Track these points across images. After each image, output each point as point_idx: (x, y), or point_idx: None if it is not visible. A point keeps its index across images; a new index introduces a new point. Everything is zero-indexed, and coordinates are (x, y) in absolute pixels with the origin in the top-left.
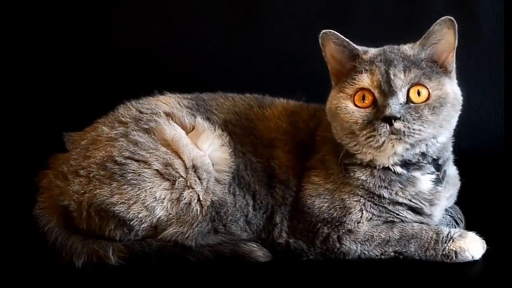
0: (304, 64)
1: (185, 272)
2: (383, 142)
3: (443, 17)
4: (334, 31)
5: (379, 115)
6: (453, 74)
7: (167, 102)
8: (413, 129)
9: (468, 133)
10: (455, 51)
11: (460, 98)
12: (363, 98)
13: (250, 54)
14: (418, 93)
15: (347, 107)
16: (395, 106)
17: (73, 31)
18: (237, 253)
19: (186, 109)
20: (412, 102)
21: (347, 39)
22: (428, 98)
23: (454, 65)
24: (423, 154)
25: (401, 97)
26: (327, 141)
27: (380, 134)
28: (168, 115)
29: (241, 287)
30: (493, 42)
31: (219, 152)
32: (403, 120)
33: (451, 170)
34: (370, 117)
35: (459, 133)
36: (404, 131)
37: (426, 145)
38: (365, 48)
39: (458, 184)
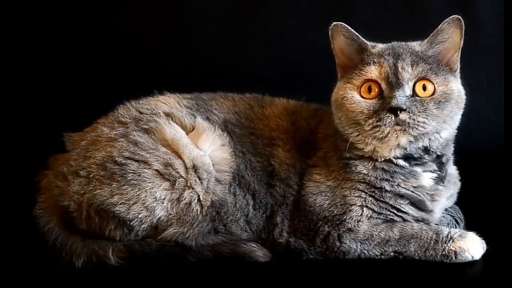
0: (304, 64)
1: (185, 272)
2: (388, 133)
3: (452, 16)
4: (344, 24)
5: (385, 106)
6: (458, 73)
7: (167, 102)
8: (418, 121)
9: (468, 133)
10: (460, 50)
11: (464, 97)
12: (369, 89)
13: (250, 54)
14: (424, 88)
15: (353, 97)
16: (401, 97)
17: (73, 31)
18: (237, 253)
19: (186, 109)
20: (417, 96)
21: (356, 33)
22: (433, 93)
23: (459, 65)
24: (426, 149)
25: (407, 90)
26: (329, 138)
27: (385, 124)
28: (168, 115)
29: (241, 287)
30: (493, 42)
31: (219, 152)
32: (408, 112)
33: (452, 169)
34: (376, 108)
35: (459, 133)
36: (409, 123)
37: (429, 139)
38: (373, 43)
39: (458, 184)
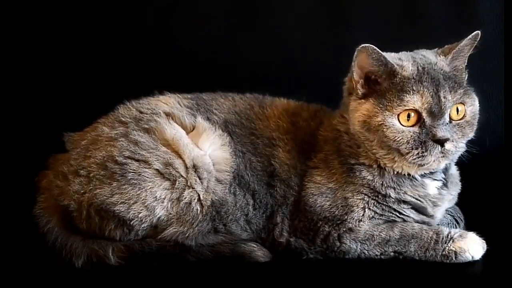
0: (305, 64)
1: (185, 272)
2: (432, 161)
3: (475, 32)
4: (374, 46)
5: (431, 136)
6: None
7: (167, 102)
8: (459, 147)
9: None
10: (466, 60)
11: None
12: (408, 116)
13: (251, 54)
14: (457, 111)
15: (394, 126)
16: (444, 126)
17: (73, 31)
18: (237, 253)
19: (186, 109)
20: (452, 119)
21: (384, 54)
22: (465, 115)
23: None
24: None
25: (447, 117)
26: (330, 141)
27: (431, 155)
28: (168, 115)
29: (241, 287)
30: (493, 42)
31: (219, 151)
32: (452, 141)
33: (453, 170)
34: (422, 138)
35: None
36: (452, 151)
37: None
38: (399, 62)
39: (459, 184)
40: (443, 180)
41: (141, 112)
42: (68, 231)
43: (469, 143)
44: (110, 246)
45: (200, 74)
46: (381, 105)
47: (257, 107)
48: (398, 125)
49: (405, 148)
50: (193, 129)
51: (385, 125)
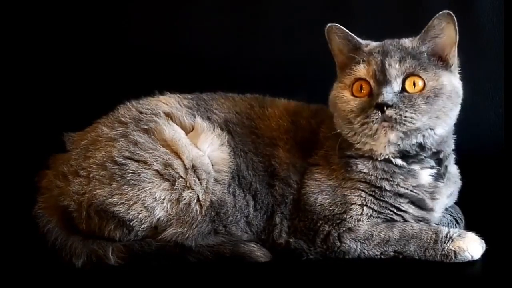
0: (305, 64)
1: (185, 272)
2: (376, 130)
3: (442, 11)
4: (339, 25)
5: (372, 103)
6: (455, 68)
7: (167, 102)
8: (405, 117)
9: (468, 133)
10: (456, 45)
11: (460, 92)
12: (361, 88)
13: (251, 54)
14: (414, 84)
15: (344, 96)
16: (388, 94)
17: (73, 31)
18: (237, 253)
19: (186, 109)
20: (407, 92)
21: (351, 33)
22: (423, 89)
23: (456, 60)
24: (421, 146)
25: (396, 86)
26: (330, 137)
27: (372, 121)
28: (167, 115)
29: (241, 287)
30: (493, 42)
31: (218, 152)
32: (395, 108)
33: (453, 168)
34: (364, 105)
35: (459, 133)
36: (395, 118)
37: (423, 136)
38: (367, 42)
39: (459, 183)
40: (436, 168)
41: (141, 113)
42: (68, 231)
43: (467, 140)
44: (109, 246)
45: (200, 74)
46: (339, 80)
47: (257, 107)
48: (349, 95)
49: (352, 116)
50: (192, 129)
51: (338, 97)
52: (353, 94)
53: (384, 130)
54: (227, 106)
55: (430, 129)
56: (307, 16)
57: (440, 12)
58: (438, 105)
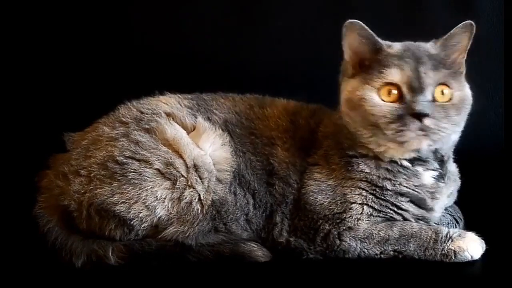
0: (305, 65)
1: (185, 272)
2: (411, 138)
3: (466, 22)
4: (360, 22)
5: (409, 111)
6: (463, 76)
7: (168, 102)
8: (441, 127)
9: (468, 133)
10: (466, 53)
11: (471, 101)
12: (389, 92)
13: (251, 54)
14: (442, 92)
15: (373, 99)
16: (424, 103)
17: (73, 31)
18: (237, 253)
19: (187, 109)
20: (436, 101)
21: (371, 32)
22: (451, 98)
23: (464, 67)
24: (435, 152)
25: (429, 95)
26: (330, 136)
27: (410, 130)
28: (169, 115)
29: (241, 287)
30: (493, 42)
31: (220, 151)
32: (432, 118)
33: (452, 167)
34: (399, 112)
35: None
36: (432, 128)
37: (442, 142)
38: (388, 43)
39: (458, 181)
40: (439, 170)
41: (141, 112)
42: (68, 231)
43: (467, 140)
44: (110, 246)
45: (200, 74)
46: (363, 80)
47: (257, 107)
48: (377, 99)
49: (384, 122)
50: (194, 129)
51: (365, 99)
52: (381, 98)
53: (419, 139)
54: (227, 106)
55: (450, 136)
56: (307, 16)
57: (464, 22)
58: (464, 114)
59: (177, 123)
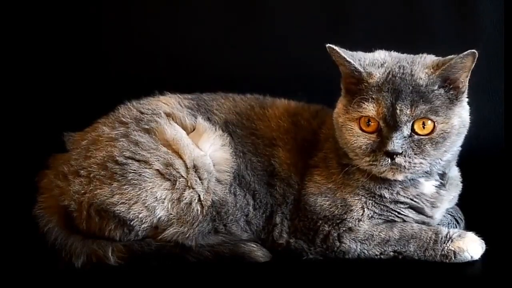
0: (305, 65)
1: (185, 272)
2: (384, 171)
3: (468, 52)
4: (336, 48)
5: (382, 147)
6: (465, 94)
7: (168, 102)
8: (414, 163)
9: (468, 133)
10: (470, 72)
11: (467, 121)
12: (368, 122)
13: (251, 55)
14: (423, 125)
15: (352, 129)
16: (398, 141)
17: (73, 31)
18: (237, 253)
19: (187, 109)
20: (416, 133)
21: (348, 59)
22: (432, 131)
23: (467, 85)
24: (427, 172)
25: (406, 131)
26: (330, 139)
27: (381, 165)
28: (168, 115)
29: (241, 287)
30: (493, 42)
31: (220, 152)
32: (404, 156)
33: (454, 172)
34: (373, 146)
35: None
36: (404, 166)
37: (430, 164)
38: (368, 70)
39: (460, 186)
40: (440, 181)
41: (141, 113)
42: (68, 231)
43: (467, 140)
44: (109, 246)
45: (200, 74)
46: (346, 107)
47: (258, 108)
48: (357, 129)
49: (360, 153)
50: (194, 129)
51: (345, 127)
52: (360, 128)
53: (392, 172)
54: (227, 106)
55: (437, 160)
56: (307, 16)
57: (465, 53)
58: (445, 146)
59: (177, 124)
